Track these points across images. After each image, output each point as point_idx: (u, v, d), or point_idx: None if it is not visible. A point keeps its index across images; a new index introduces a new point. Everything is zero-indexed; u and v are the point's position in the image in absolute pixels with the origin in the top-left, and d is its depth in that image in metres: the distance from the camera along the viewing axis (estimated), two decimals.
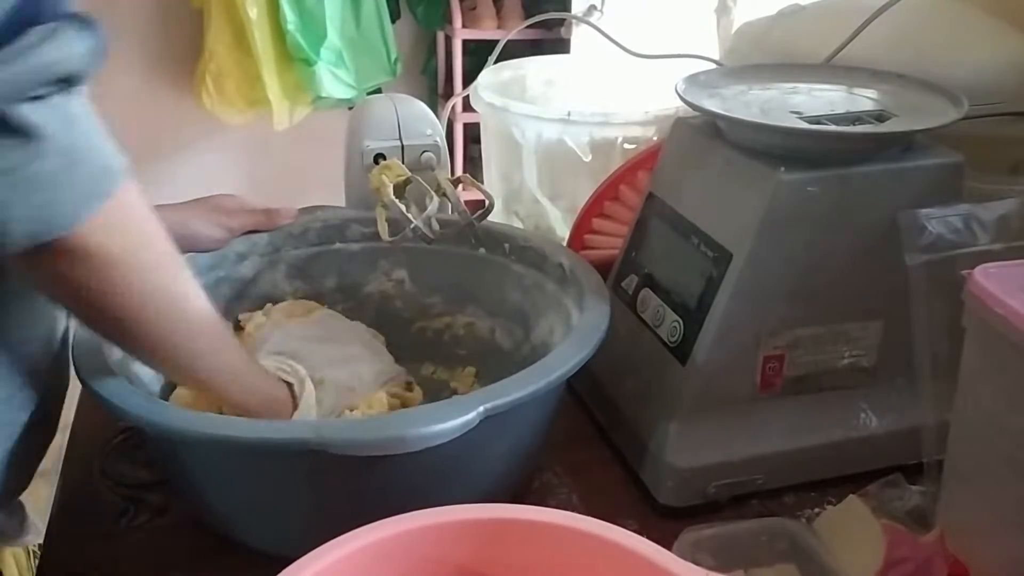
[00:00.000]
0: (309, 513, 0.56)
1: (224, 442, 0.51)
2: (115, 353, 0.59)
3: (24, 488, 0.62)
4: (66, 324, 0.61)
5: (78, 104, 0.43)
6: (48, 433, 0.63)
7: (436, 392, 0.76)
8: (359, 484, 0.54)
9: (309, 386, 0.64)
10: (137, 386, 0.59)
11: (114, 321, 0.51)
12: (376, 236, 0.76)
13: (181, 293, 0.53)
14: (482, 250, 0.76)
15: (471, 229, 0.73)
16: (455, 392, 0.77)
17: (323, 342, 0.70)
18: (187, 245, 0.70)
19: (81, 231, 0.44)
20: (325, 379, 0.65)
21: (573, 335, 0.61)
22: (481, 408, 0.51)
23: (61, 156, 0.42)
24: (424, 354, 0.80)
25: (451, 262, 0.78)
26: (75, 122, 0.43)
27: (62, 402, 0.62)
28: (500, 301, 0.76)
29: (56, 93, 0.42)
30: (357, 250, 0.79)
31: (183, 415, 0.55)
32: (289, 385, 0.64)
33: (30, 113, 0.40)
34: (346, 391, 0.66)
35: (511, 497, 0.57)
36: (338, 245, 0.79)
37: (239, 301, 0.76)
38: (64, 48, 0.41)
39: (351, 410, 0.65)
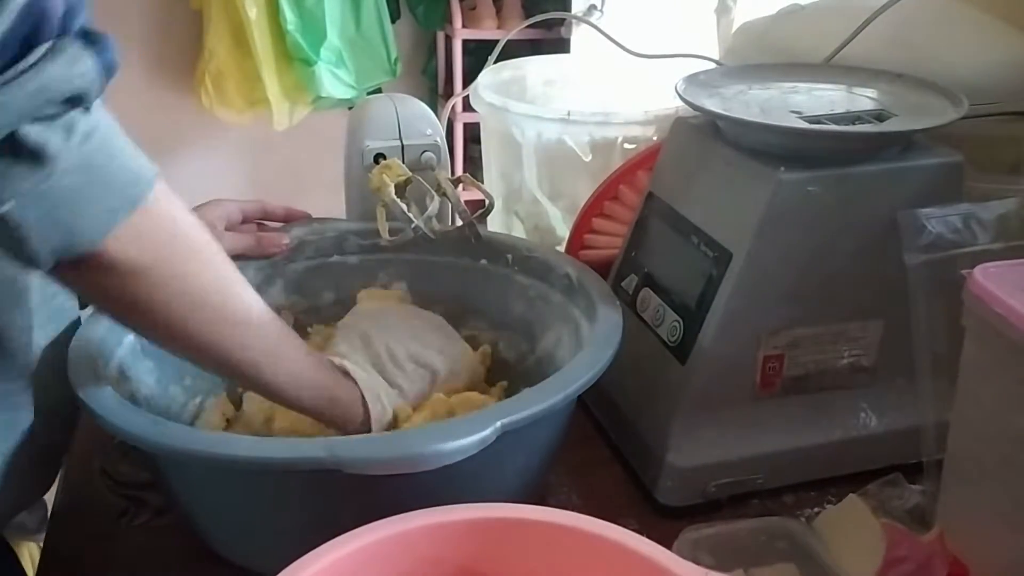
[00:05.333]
0: (307, 531, 0.53)
1: (230, 462, 0.49)
2: (113, 364, 0.58)
3: (50, 486, 0.62)
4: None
5: (91, 120, 0.42)
6: (67, 431, 0.63)
7: None
8: (367, 501, 0.51)
9: (379, 381, 0.63)
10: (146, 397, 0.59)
11: (163, 329, 0.50)
12: (375, 248, 0.75)
13: (226, 298, 0.52)
14: (484, 261, 0.75)
15: (471, 228, 0.73)
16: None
17: (398, 327, 0.68)
18: None
19: (109, 244, 0.44)
20: (406, 367, 0.65)
21: (588, 346, 0.60)
22: (498, 424, 0.49)
23: (77, 173, 0.42)
24: None
25: (452, 273, 0.76)
26: (89, 138, 0.42)
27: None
28: (503, 313, 0.75)
29: (65, 112, 0.41)
30: (355, 263, 0.77)
31: (181, 432, 0.53)
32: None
33: (37, 134, 0.40)
34: (429, 377, 0.66)
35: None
36: (336, 258, 0.77)
37: None
38: (69, 67, 0.40)
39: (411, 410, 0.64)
